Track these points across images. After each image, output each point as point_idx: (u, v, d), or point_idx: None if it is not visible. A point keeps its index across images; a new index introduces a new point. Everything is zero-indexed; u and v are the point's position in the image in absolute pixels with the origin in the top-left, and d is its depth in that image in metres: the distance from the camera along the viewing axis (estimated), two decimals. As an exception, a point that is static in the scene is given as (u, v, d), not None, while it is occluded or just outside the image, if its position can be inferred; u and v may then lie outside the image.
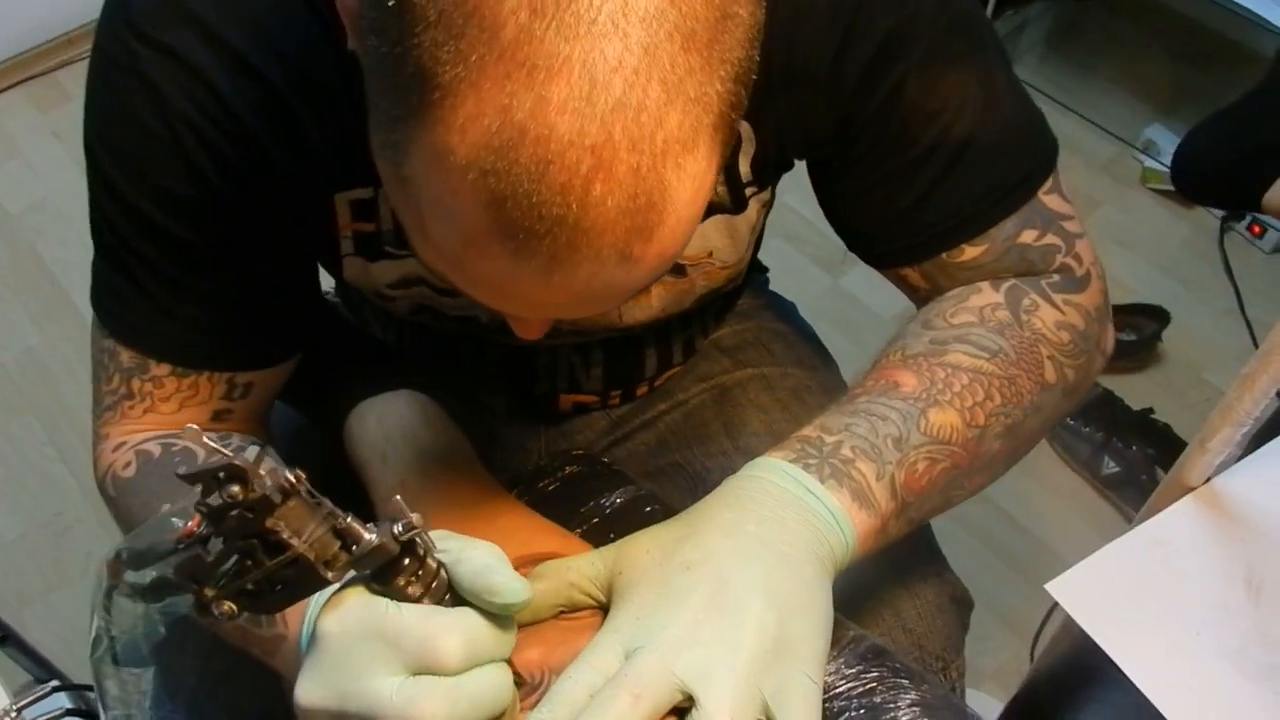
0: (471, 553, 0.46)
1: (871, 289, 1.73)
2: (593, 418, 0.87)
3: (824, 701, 0.53)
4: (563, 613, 0.53)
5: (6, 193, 1.97)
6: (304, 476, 0.41)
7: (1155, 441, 1.50)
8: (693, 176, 0.41)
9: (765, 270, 0.97)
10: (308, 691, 0.44)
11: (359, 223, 0.64)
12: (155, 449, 0.64)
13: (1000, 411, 0.61)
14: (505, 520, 0.63)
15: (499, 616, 0.46)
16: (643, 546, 0.53)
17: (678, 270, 0.69)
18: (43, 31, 2.12)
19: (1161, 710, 0.55)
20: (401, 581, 0.44)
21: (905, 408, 0.58)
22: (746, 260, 0.74)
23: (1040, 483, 1.52)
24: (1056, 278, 0.65)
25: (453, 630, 0.43)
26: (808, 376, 0.87)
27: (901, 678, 0.54)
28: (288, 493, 0.41)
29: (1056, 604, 0.58)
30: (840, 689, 0.53)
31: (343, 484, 0.66)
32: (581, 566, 0.53)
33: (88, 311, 0.67)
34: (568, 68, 0.37)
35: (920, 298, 0.69)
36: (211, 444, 0.40)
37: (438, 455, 0.66)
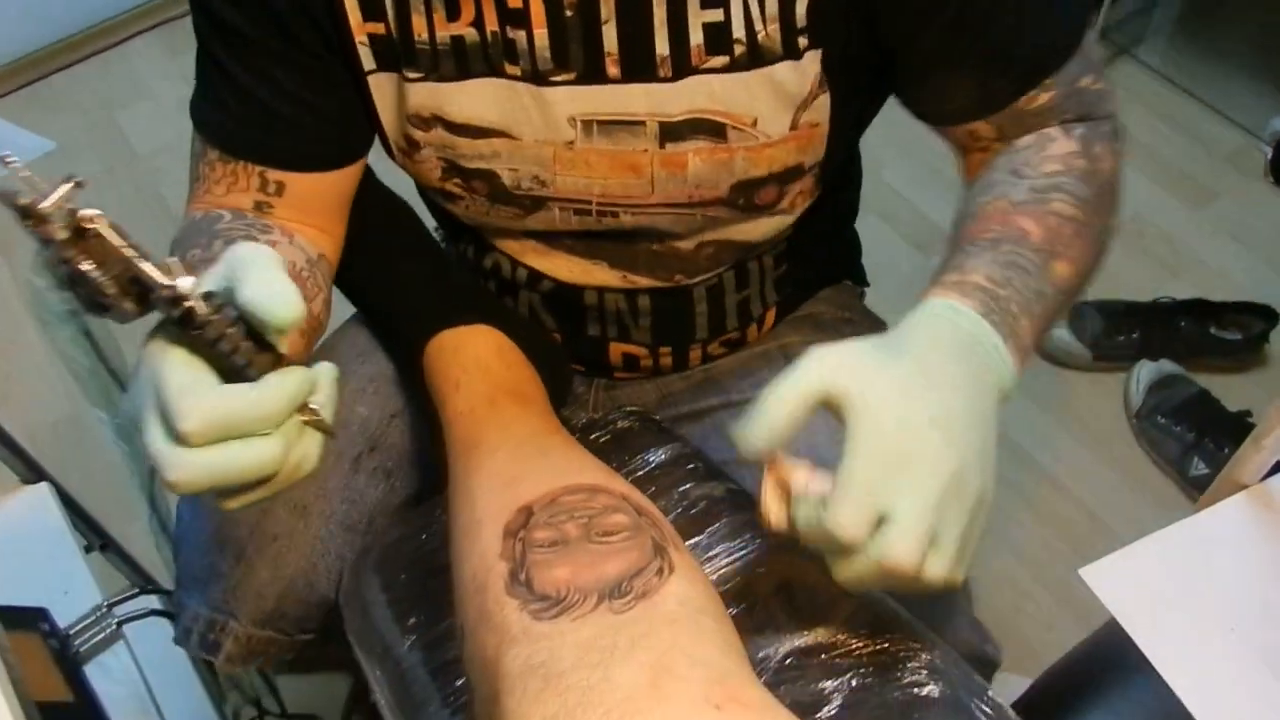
0: (246, 282, 0.46)
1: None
2: (644, 389, 0.87)
3: (834, 658, 0.54)
4: (594, 535, 0.54)
5: (135, 134, 2.07)
6: (100, 214, 0.42)
7: (1251, 445, 1.44)
8: None
9: (865, 284, 0.96)
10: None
11: (370, 23, 0.66)
12: (199, 218, 0.69)
13: (1090, 260, 0.63)
14: (559, 454, 0.64)
15: (265, 389, 0.46)
16: (878, 388, 0.50)
17: (717, 132, 0.67)
18: (176, -23, 2.22)
19: (1185, 703, 0.55)
20: (201, 328, 0.45)
21: (1038, 260, 0.59)
22: (793, 154, 0.69)
23: (1125, 478, 1.48)
24: (1107, 126, 0.67)
25: (191, 414, 0.45)
26: None
27: (914, 641, 0.54)
28: (80, 230, 0.42)
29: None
30: (853, 647, 0.54)
31: (426, 409, 0.71)
32: None
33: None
34: None
35: (975, 157, 0.70)
36: (33, 181, 0.41)
37: (507, 387, 0.69)
